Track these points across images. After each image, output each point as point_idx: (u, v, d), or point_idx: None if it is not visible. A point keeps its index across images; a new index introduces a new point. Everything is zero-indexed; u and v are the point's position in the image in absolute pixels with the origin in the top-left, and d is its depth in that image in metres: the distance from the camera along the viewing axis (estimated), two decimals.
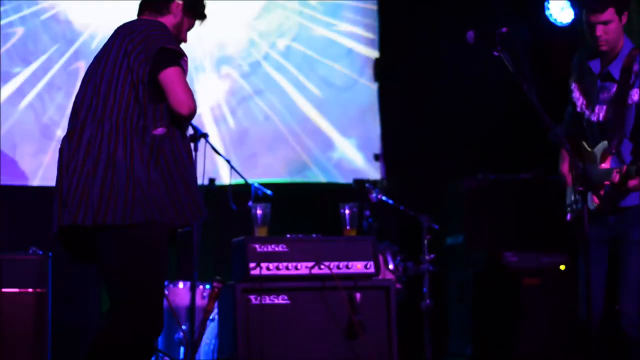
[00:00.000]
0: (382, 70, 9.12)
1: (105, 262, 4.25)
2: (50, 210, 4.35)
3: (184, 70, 4.31)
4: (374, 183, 8.03)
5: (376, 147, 9.08)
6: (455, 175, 8.30)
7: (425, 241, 7.53)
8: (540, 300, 7.36)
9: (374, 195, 7.60)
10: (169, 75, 4.24)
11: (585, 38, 5.13)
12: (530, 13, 8.77)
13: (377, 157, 9.04)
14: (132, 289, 4.20)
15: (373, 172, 9.00)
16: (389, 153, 9.07)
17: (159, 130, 4.24)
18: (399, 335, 5.96)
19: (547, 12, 8.55)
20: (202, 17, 4.60)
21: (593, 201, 4.94)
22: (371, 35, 9.16)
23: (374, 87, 9.13)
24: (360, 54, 9.15)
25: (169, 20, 4.48)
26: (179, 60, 4.29)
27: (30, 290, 6.56)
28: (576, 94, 5.21)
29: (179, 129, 4.34)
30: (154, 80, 4.25)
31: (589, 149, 5.07)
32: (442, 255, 8.02)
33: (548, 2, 8.55)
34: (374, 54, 9.14)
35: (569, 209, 5.16)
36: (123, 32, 4.36)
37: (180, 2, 4.50)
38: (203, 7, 4.60)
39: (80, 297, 7.78)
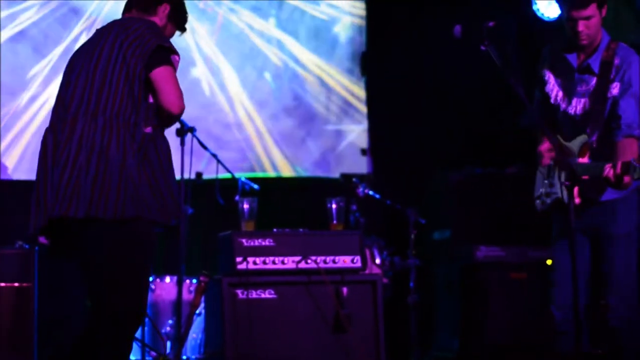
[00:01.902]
0: (369, 65, 9.12)
1: (92, 257, 4.22)
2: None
3: (175, 69, 4.30)
4: (361, 178, 8.03)
5: (363, 141, 9.09)
6: (443, 169, 8.31)
7: (412, 236, 7.54)
8: (527, 294, 7.37)
9: (360, 189, 7.60)
10: (161, 73, 4.23)
11: (565, 31, 5.11)
12: (519, 8, 8.78)
13: (364, 152, 9.05)
14: (118, 286, 4.18)
15: (360, 166, 9.01)
16: (376, 148, 9.07)
17: (149, 129, 4.24)
18: (386, 329, 5.96)
19: (535, 7, 8.56)
20: (183, 28, 4.64)
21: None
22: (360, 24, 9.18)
23: (361, 81, 9.14)
24: (349, 48, 9.16)
25: (154, 22, 4.47)
26: (171, 58, 4.29)
27: (16, 284, 6.54)
28: (550, 85, 5.18)
29: (161, 128, 4.34)
30: (146, 77, 4.24)
31: (564, 142, 5.06)
32: (429, 250, 8.02)
33: None
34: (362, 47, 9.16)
35: (538, 201, 5.17)
36: (116, 29, 4.33)
37: (168, 6, 4.51)
38: (186, 18, 4.62)
39: (65, 290, 7.75)
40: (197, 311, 6.63)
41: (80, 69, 4.33)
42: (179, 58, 4.36)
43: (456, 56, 7.99)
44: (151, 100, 4.27)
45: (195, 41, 8.73)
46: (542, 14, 8.54)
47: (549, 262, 7.51)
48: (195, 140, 6.91)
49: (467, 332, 7.56)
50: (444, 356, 7.79)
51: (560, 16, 8.38)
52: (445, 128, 8.94)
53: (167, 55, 4.28)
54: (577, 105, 5.07)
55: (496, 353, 7.36)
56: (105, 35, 4.35)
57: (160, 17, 4.50)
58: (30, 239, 6.27)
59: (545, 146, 5.14)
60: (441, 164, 8.57)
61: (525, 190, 7.62)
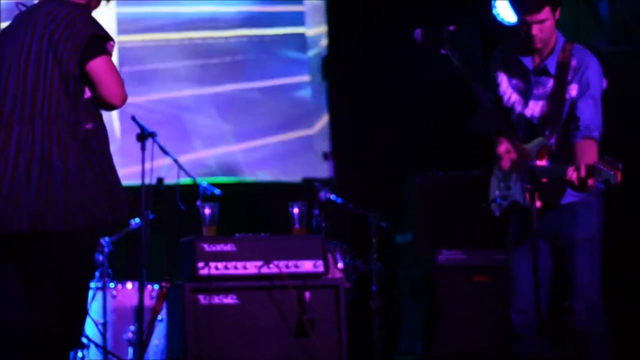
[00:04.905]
0: (330, 68, 9.12)
1: (39, 270, 4.00)
2: None
3: (111, 55, 4.07)
4: (323, 182, 8.02)
5: (325, 145, 9.08)
6: (405, 173, 8.31)
7: (374, 239, 7.53)
8: (491, 297, 7.37)
9: (322, 194, 7.59)
10: (99, 65, 4.01)
11: (517, 33, 5.10)
12: (480, 12, 8.82)
13: (326, 156, 9.04)
14: (64, 299, 3.98)
15: (322, 170, 9.00)
16: (338, 152, 9.07)
17: (90, 125, 4.04)
18: (350, 333, 5.96)
19: (495, 11, 8.59)
20: None
21: (526, 198, 4.85)
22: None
23: (322, 84, 9.14)
24: (309, 50, 9.16)
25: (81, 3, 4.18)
26: (106, 46, 4.06)
27: None
28: (503, 87, 5.16)
29: (101, 120, 4.13)
30: (82, 70, 4.02)
31: (522, 145, 5.01)
32: (391, 253, 8.02)
33: (495, 2, 8.59)
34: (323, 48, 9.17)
35: (494, 204, 5.15)
36: (43, 17, 4.06)
37: None
38: None
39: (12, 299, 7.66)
40: (159, 317, 6.60)
41: (10, 63, 4.09)
42: (114, 43, 4.11)
43: (418, 59, 8.01)
44: (88, 94, 4.04)
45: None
46: (502, 18, 8.57)
47: None
48: (155, 146, 6.89)
49: (430, 336, 7.56)
50: None
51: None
52: (408, 131, 8.95)
53: (103, 44, 4.04)
54: (534, 108, 5.05)
55: (459, 357, 7.37)
56: (31, 23, 4.09)
57: None
58: None
59: (503, 147, 5.10)
60: (403, 167, 8.57)
61: (488, 193, 7.68)
